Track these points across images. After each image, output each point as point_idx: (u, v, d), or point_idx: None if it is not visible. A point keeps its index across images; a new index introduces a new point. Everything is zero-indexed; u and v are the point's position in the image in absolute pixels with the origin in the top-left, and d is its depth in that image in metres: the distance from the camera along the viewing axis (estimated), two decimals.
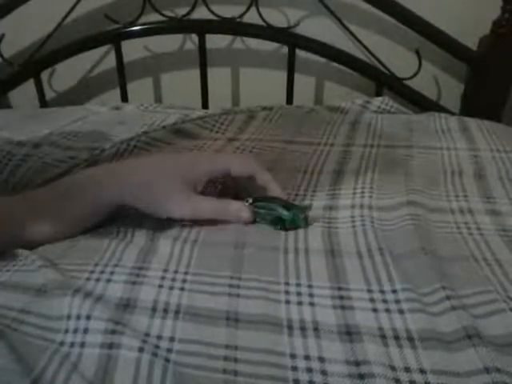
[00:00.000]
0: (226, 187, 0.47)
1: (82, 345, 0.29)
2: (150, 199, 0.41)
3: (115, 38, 0.84)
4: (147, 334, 0.30)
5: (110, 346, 0.29)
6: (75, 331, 0.30)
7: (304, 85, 0.90)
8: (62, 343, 0.29)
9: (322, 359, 0.29)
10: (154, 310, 0.32)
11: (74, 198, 0.40)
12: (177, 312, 0.32)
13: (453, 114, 0.82)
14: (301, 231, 0.42)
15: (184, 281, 0.35)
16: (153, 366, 0.28)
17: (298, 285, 0.35)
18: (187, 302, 0.33)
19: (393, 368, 0.28)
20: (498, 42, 0.77)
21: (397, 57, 0.85)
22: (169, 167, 0.42)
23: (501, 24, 0.76)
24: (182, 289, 0.34)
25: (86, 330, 0.30)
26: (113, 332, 0.29)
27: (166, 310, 0.32)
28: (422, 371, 0.28)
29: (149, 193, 0.40)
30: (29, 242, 0.39)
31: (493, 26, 0.77)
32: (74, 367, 0.28)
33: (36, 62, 0.84)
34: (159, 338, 0.30)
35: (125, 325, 0.31)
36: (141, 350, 0.29)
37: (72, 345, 0.29)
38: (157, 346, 0.30)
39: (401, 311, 0.32)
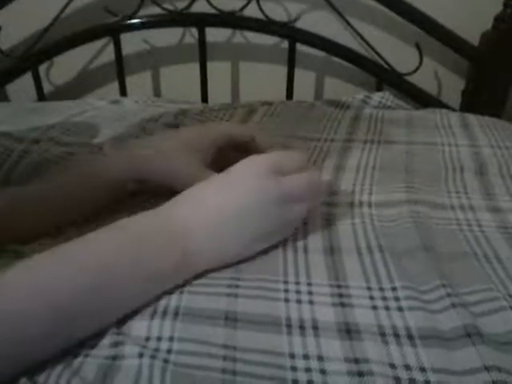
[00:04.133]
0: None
1: (86, 356, 0.29)
2: (165, 171, 0.42)
3: (114, 31, 0.83)
4: (147, 339, 0.30)
5: (114, 357, 0.29)
6: (81, 346, 0.30)
7: (304, 79, 0.90)
8: (65, 354, 0.29)
9: (320, 358, 0.29)
10: (153, 312, 0.32)
11: (95, 176, 0.43)
12: (176, 314, 0.32)
13: (453, 109, 0.81)
14: (299, 229, 0.42)
15: (183, 284, 0.35)
16: (152, 369, 0.28)
17: (297, 283, 0.35)
18: (186, 304, 0.33)
19: (392, 366, 0.28)
20: (500, 37, 0.76)
21: (397, 52, 0.85)
22: (178, 140, 0.45)
23: (503, 19, 0.75)
24: (181, 291, 0.34)
25: (91, 346, 0.30)
26: (116, 345, 0.29)
27: (164, 312, 0.32)
28: (422, 369, 0.28)
29: (163, 165, 0.43)
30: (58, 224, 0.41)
31: (494, 21, 0.77)
32: (75, 372, 0.28)
33: (34, 55, 0.84)
34: (159, 339, 0.30)
35: (126, 334, 0.30)
36: (140, 355, 0.29)
37: (75, 356, 0.29)
38: (156, 349, 0.29)
39: (400, 309, 0.32)
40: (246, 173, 0.37)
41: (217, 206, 0.36)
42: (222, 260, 0.36)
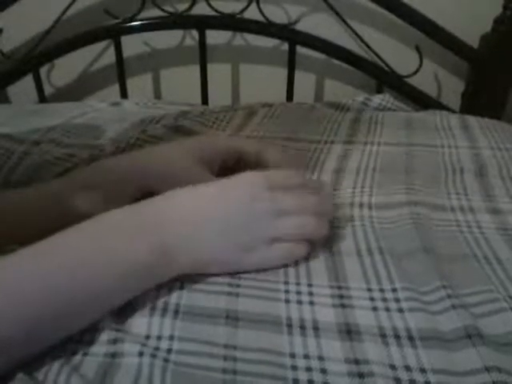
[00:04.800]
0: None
1: (85, 354, 0.29)
2: (166, 176, 0.42)
3: (115, 34, 0.83)
4: (147, 337, 0.30)
5: (113, 355, 0.29)
6: (79, 342, 0.30)
7: (304, 82, 0.90)
8: (64, 350, 0.29)
9: (321, 358, 0.29)
10: (152, 309, 0.32)
11: (100, 178, 0.42)
12: (176, 312, 0.32)
13: (453, 111, 0.81)
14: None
15: (183, 281, 0.35)
16: (153, 368, 0.28)
17: (298, 284, 0.35)
18: (186, 302, 0.33)
19: (393, 367, 0.28)
20: (500, 39, 0.77)
21: (397, 54, 0.85)
22: (186, 148, 0.44)
23: (502, 22, 0.76)
24: (181, 288, 0.34)
25: (90, 342, 0.30)
26: (115, 341, 0.29)
27: (165, 309, 0.32)
28: (422, 370, 0.28)
29: (165, 169, 0.42)
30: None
31: (494, 23, 0.77)
32: (75, 370, 0.28)
33: (35, 57, 0.84)
34: (159, 338, 0.30)
35: (126, 331, 0.30)
36: (140, 354, 0.29)
37: (74, 353, 0.29)
38: (156, 348, 0.29)
39: (400, 310, 0.32)
40: (241, 182, 0.36)
41: (202, 208, 0.34)
42: (200, 265, 0.34)
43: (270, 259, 0.36)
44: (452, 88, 0.88)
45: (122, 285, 0.31)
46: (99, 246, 0.31)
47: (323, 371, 0.28)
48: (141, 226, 0.33)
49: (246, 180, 0.36)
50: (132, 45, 0.88)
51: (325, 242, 0.39)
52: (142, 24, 0.82)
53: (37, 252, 0.30)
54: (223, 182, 0.37)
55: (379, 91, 0.84)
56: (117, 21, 0.82)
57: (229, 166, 0.46)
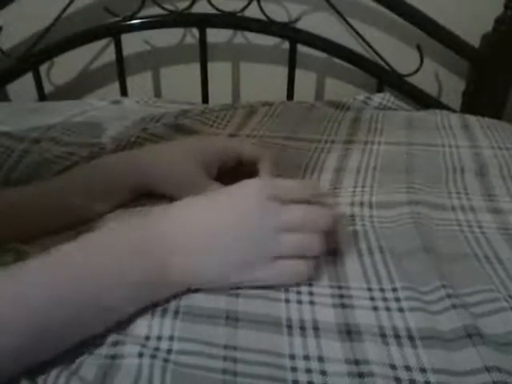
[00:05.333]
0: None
1: (85, 356, 0.29)
2: (165, 177, 0.42)
3: (115, 32, 0.83)
4: (147, 338, 0.30)
5: (114, 357, 0.29)
6: (79, 344, 0.30)
7: (305, 80, 0.90)
8: (64, 353, 0.29)
9: (321, 359, 0.29)
10: (152, 310, 0.32)
11: (100, 176, 0.43)
12: (176, 312, 0.32)
13: (454, 111, 0.81)
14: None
15: None
16: (153, 369, 0.28)
17: (298, 284, 0.35)
18: (186, 302, 0.33)
19: (393, 367, 0.28)
20: (501, 39, 0.76)
21: (398, 53, 0.85)
22: (182, 149, 0.44)
23: (503, 21, 0.76)
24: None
25: (90, 345, 0.30)
26: (115, 343, 0.29)
27: (165, 310, 0.32)
28: (422, 370, 0.28)
29: (170, 176, 0.42)
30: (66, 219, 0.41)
31: (495, 23, 0.77)
32: (74, 372, 0.27)
33: (35, 55, 0.84)
34: (159, 338, 0.30)
35: (126, 333, 0.30)
36: (140, 355, 0.29)
37: (74, 356, 0.29)
38: (156, 349, 0.29)
39: (401, 310, 0.32)
40: (245, 194, 0.34)
41: (206, 224, 0.33)
42: (202, 283, 0.33)
43: (273, 277, 0.34)
44: (453, 87, 0.88)
45: (127, 299, 0.31)
46: (106, 260, 0.31)
47: (323, 373, 0.28)
48: (146, 242, 0.32)
49: (250, 192, 0.34)
50: (132, 43, 0.88)
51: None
52: (142, 22, 0.81)
53: (45, 264, 0.29)
54: (226, 194, 0.35)
55: (380, 90, 0.84)
56: (117, 19, 0.81)
57: (228, 168, 0.46)
